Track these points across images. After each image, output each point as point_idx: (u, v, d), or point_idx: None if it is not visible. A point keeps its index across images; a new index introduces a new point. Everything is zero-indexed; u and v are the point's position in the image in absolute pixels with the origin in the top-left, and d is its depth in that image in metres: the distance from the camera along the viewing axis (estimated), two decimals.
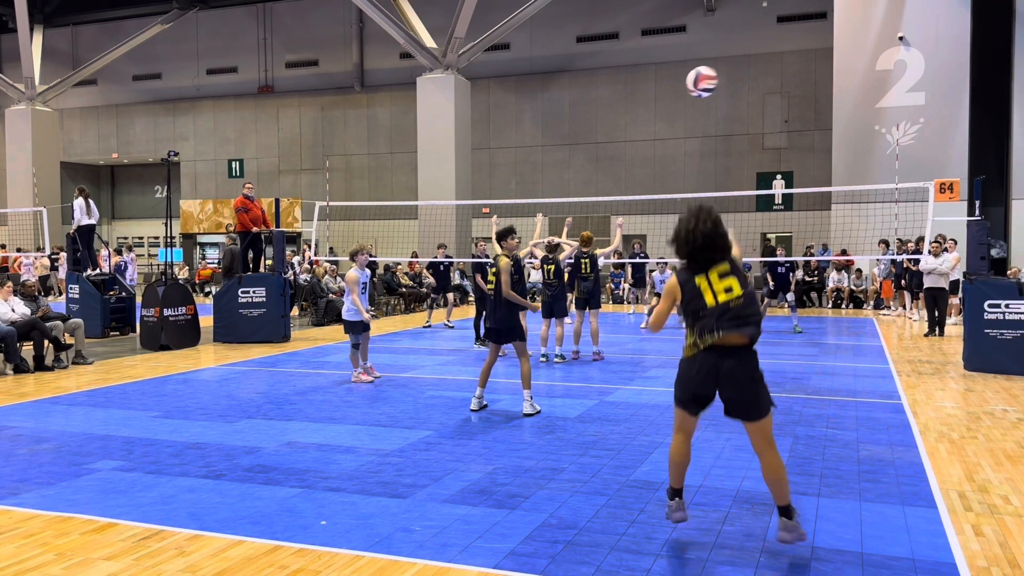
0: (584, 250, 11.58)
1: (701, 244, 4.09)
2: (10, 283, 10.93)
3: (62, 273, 24.50)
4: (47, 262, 24.54)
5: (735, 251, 4.25)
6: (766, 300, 15.40)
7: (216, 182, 34.60)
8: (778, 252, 15.84)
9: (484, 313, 13.16)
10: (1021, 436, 6.76)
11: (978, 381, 9.60)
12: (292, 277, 17.32)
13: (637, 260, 22.37)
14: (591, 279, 11.54)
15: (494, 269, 7.85)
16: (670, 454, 4.39)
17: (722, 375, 4.05)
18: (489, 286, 7.92)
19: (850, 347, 13.01)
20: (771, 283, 15.58)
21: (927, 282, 14.56)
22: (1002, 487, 5.33)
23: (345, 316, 9.77)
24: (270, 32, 33.00)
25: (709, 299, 4.08)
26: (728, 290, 4.09)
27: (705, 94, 8.42)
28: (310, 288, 17.45)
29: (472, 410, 7.84)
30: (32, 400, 8.66)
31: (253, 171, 33.65)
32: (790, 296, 15.34)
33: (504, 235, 8.01)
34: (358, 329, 9.72)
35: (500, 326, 7.75)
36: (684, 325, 4.21)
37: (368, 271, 10.21)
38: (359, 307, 9.63)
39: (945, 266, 14.14)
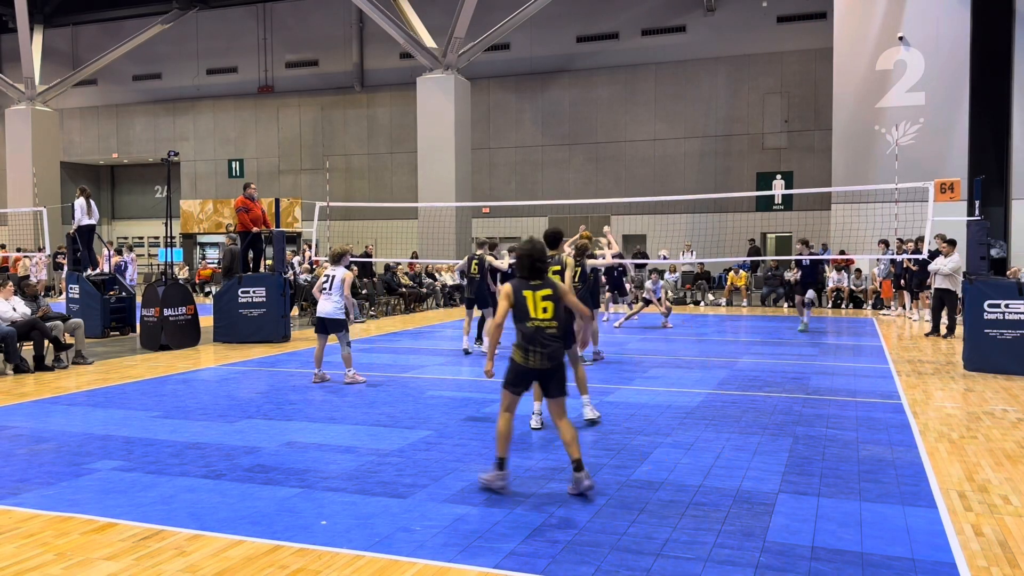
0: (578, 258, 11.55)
1: (530, 266, 5.22)
2: (11, 283, 10.93)
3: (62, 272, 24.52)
4: (44, 261, 24.51)
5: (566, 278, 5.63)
6: (784, 300, 15.55)
7: (216, 182, 34.61)
8: (799, 250, 15.68)
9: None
10: (1021, 436, 6.77)
11: (978, 381, 9.60)
12: (292, 277, 17.31)
13: (639, 261, 22.34)
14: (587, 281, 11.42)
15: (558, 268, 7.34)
16: (499, 429, 5.28)
17: (544, 372, 5.22)
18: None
19: (850, 347, 13.01)
20: (795, 280, 15.50)
21: (936, 282, 14.57)
22: (1002, 487, 5.33)
23: (333, 315, 9.55)
24: (270, 32, 33.01)
25: (531, 311, 5.19)
26: (545, 311, 5.19)
27: None
28: (310, 288, 17.44)
29: (534, 428, 6.95)
30: (32, 400, 8.66)
31: (253, 171, 33.66)
32: (811, 294, 15.23)
33: (556, 241, 7.43)
34: (343, 327, 9.65)
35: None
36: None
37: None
38: (350, 305, 9.77)
39: (950, 266, 14.06)
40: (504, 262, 11.92)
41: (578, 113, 29.57)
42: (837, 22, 22.76)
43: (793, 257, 23.58)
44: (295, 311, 17.35)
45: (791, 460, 5.98)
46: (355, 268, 22.27)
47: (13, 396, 8.86)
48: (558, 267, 7.35)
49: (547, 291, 5.18)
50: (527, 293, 5.17)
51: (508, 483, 5.24)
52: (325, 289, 9.61)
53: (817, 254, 15.35)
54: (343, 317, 9.63)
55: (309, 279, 17.91)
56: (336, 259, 9.84)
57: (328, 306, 9.58)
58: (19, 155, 30.93)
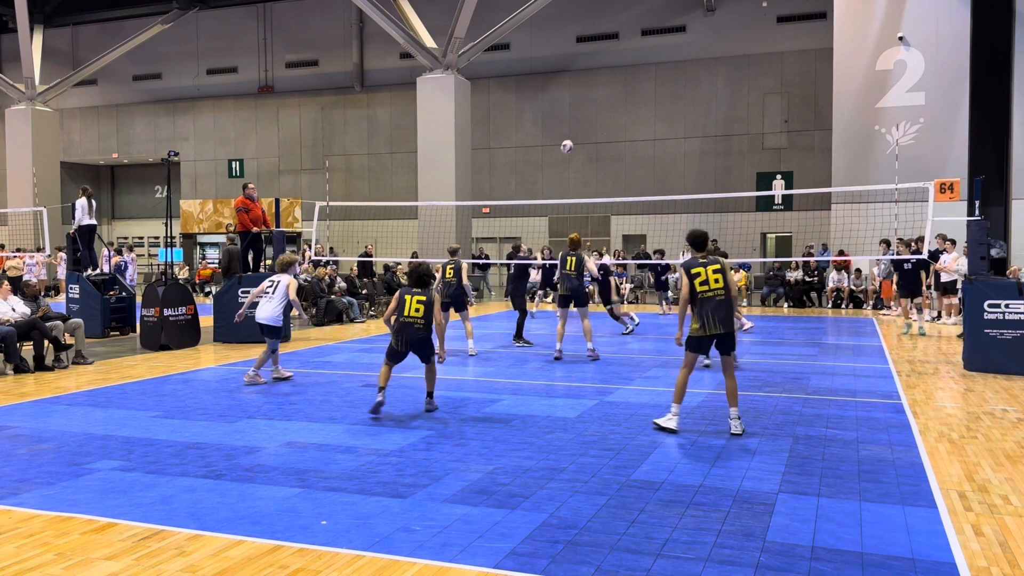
0: (571, 250, 11.60)
1: (418, 279, 7.60)
2: (7, 283, 10.93)
3: (61, 272, 24.50)
4: (45, 261, 24.50)
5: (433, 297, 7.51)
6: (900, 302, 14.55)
7: (216, 182, 34.60)
8: (882, 250, 15.38)
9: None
10: (1021, 436, 6.77)
11: (978, 381, 9.60)
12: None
13: (649, 262, 22.29)
14: (574, 277, 11.44)
15: (716, 267, 6.79)
16: (382, 375, 7.65)
17: (413, 343, 7.62)
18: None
19: (850, 347, 13.01)
20: (897, 284, 15.09)
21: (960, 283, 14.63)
22: (1002, 487, 5.34)
23: (269, 321, 9.44)
24: (270, 32, 33.00)
25: (406, 310, 7.50)
26: (417, 310, 7.47)
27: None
28: (310, 288, 17.44)
29: (673, 430, 6.86)
30: (32, 400, 8.66)
31: (253, 171, 33.66)
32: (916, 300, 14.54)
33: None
34: (278, 334, 9.61)
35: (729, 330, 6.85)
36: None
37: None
38: (300, 310, 9.94)
39: (962, 268, 14.13)
40: (591, 263, 12.15)
41: (578, 113, 29.57)
42: (837, 22, 22.75)
43: (793, 258, 23.59)
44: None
45: (791, 460, 5.98)
46: (354, 268, 22.33)
47: (13, 396, 8.86)
48: (717, 265, 6.80)
49: (423, 297, 7.43)
50: (407, 297, 7.39)
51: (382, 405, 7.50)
52: (267, 293, 9.49)
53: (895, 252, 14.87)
54: (279, 325, 9.56)
55: (309, 279, 17.90)
56: (284, 267, 9.71)
57: (266, 311, 9.44)
58: (19, 155, 30.91)
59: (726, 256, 16.56)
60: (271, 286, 9.56)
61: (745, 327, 11.16)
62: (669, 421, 6.88)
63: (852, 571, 3.97)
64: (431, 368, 7.88)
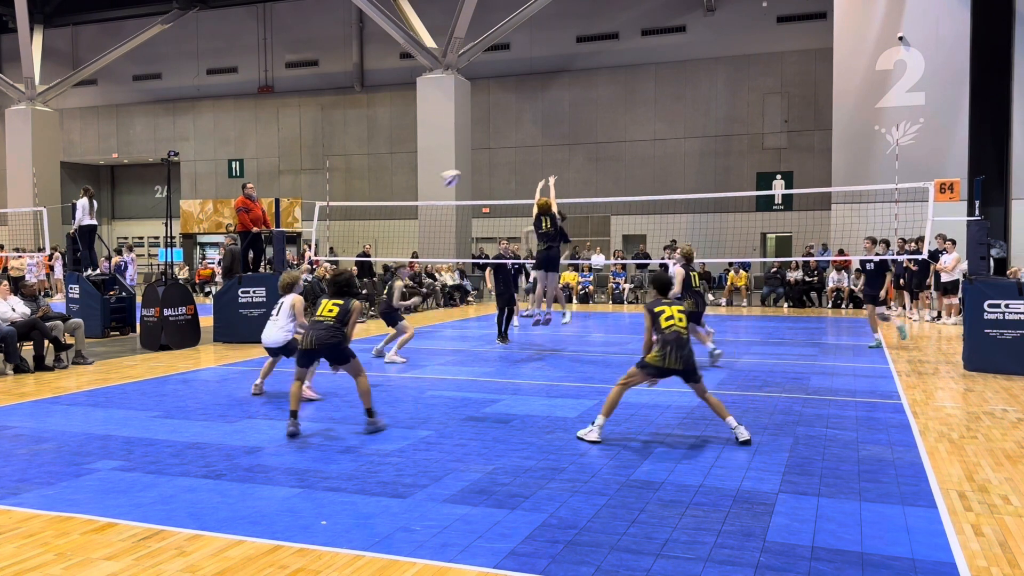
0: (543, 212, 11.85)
1: (335, 288, 7.33)
2: (6, 282, 10.92)
3: (58, 272, 24.49)
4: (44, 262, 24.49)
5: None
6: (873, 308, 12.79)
7: (216, 182, 34.61)
8: (866, 247, 13.34)
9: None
10: (1021, 436, 6.77)
11: (978, 381, 9.60)
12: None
13: (640, 261, 22.33)
14: (551, 236, 11.63)
15: (679, 307, 6.91)
16: (293, 392, 7.10)
17: (321, 347, 7.05)
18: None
19: (850, 347, 13.01)
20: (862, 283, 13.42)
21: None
22: (1002, 487, 5.33)
23: (273, 343, 8.78)
24: (270, 32, 33.01)
25: (319, 311, 7.18)
26: (331, 311, 7.13)
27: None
28: (310, 288, 17.44)
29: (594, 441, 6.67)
30: (32, 400, 8.66)
31: (253, 171, 33.67)
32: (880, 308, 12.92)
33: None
34: (281, 353, 8.87)
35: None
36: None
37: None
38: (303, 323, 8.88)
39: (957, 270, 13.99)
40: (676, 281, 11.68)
41: (578, 113, 29.58)
42: (837, 22, 22.75)
43: (793, 258, 23.60)
44: None
45: (791, 460, 5.98)
46: (354, 268, 22.33)
47: (13, 396, 8.86)
48: (681, 306, 6.99)
49: (339, 301, 7.20)
50: (324, 300, 7.27)
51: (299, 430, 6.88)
52: (272, 316, 8.88)
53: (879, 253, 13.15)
54: (286, 344, 8.74)
55: (310, 279, 17.90)
56: (286, 288, 9.08)
57: (270, 333, 8.80)
58: (19, 155, 30.92)
59: (704, 268, 16.46)
60: (277, 308, 8.92)
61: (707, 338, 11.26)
62: (590, 434, 6.61)
63: (852, 571, 3.97)
64: (359, 383, 7.15)
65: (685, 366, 6.70)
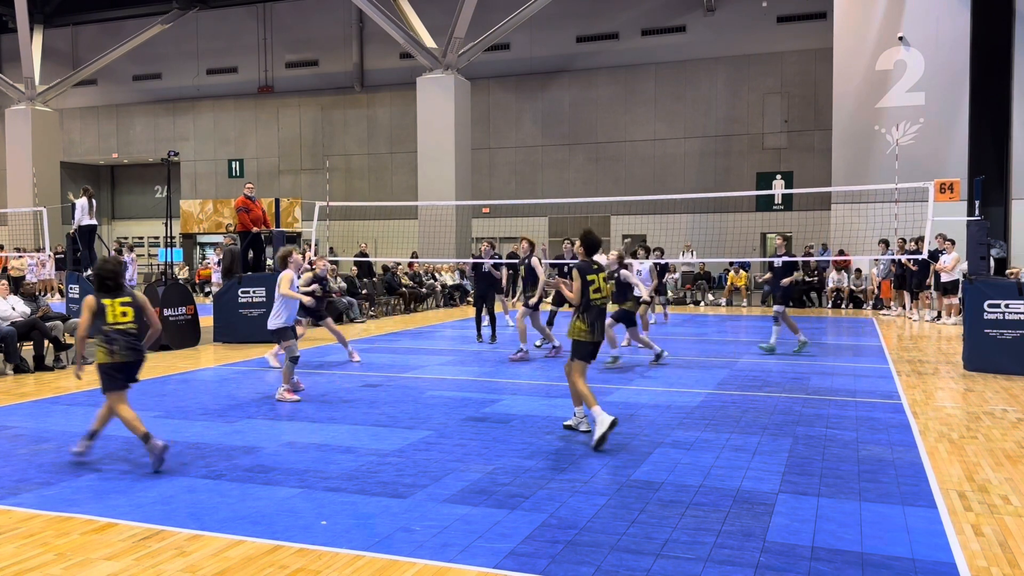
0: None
1: (99, 281, 6.08)
2: (5, 282, 10.93)
3: (44, 273, 24.45)
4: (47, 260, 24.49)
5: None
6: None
7: (216, 182, 34.61)
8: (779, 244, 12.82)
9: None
10: (1021, 436, 6.77)
11: (978, 381, 9.60)
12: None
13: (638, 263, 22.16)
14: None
15: (604, 275, 6.89)
16: (130, 418, 5.96)
17: (134, 351, 6.01)
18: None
19: (850, 347, 13.01)
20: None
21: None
22: (1002, 487, 5.33)
23: (276, 324, 8.66)
24: (270, 32, 33.01)
25: (109, 317, 5.93)
26: (124, 315, 6.01)
27: None
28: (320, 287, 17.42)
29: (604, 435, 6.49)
30: (32, 400, 8.66)
31: (253, 171, 33.67)
32: (777, 307, 12.27)
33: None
34: (290, 336, 8.71)
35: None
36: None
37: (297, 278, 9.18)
38: (300, 298, 8.85)
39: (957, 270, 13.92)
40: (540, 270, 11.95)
41: (578, 113, 29.58)
42: (837, 22, 22.76)
43: (794, 258, 23.60)
44: None
45: (791, 460, 5.98)
46: (354, 268, 22.33)
47: (13, 396, 8.86)
48: (605, 274, 6.95)
49: (126, 299, 6.11)
50: (106, 301, 6.03)
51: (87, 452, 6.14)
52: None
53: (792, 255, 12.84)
54: (282, 326, 8.69)
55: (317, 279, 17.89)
56: (282, 262, 8.96)
57: (270, 318, 8.79)
58: (19, 155, 30.92)
59: (662, 252, 16.33)
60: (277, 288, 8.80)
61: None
62: (602, 426, 6.31)
63: (852, 571, 3.97)
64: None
65: (603, 338, 6.84)
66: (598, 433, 6.31)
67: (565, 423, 7.08)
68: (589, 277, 6.68)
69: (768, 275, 12.50)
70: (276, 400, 8.42)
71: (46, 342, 10.75)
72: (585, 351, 6.68)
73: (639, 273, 13.40)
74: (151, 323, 6.21)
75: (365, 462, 5.98)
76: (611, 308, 10.63)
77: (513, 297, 16.91)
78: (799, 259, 12.94)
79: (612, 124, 29.21)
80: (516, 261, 15.76)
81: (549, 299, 12.99)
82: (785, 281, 12.16)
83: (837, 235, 21.81)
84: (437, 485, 5.38)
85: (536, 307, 11.73)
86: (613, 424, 6.32)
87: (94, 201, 15.27)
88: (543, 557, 4.14)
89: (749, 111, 27.67)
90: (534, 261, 11.83)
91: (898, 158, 18.86)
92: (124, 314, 6.03)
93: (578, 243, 7.02)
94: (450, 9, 24.73)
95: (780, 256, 12.37)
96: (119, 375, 5.98)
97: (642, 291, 11.14)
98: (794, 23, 26.94)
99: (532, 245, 12.18)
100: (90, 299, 6.00)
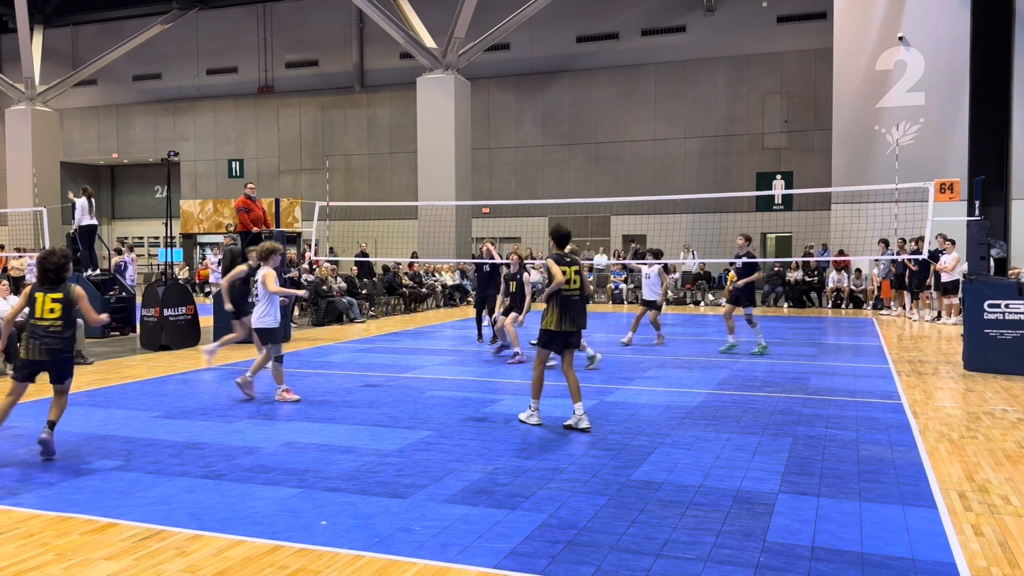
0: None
1: (53, 269, 6.15)
2: (6, 282, 10.93)
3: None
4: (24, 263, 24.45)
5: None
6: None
7: (216, 182, 34.61)
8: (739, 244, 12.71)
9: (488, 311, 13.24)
10: (1021, 436, 6.77)
11: (978, 381, 9.60)
12: (297, 276, 17.29)
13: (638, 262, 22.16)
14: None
15: (576, 268, 7.12)
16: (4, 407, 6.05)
17: (51, 353, 6.04)
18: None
19: (850, 347, 13.01)
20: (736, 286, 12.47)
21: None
22: (1002, 487, 5.33)
23: (264, 324, 8.44)
24: (270, 32, 33.01)
25: (37, 311, 6.07)
26: (51, 311, 6.07)
27: None
28: (314, 288, 17.45)
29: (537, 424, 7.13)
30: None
31: (253, 171, 33.67)
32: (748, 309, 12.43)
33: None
34: (278, 338, 8.57)
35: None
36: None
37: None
38: (288, 294, 8.56)
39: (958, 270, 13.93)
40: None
41: (578, 113, 29.58)
42: (837, 22, 22.76)
43: (793, 258, 23.61)
44: (296, 311, 17.34)
45: (791, 460, 5.98)
46: (355, 268, 22.33)
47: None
48: (577, 267, 7.15)
49: (58, 295, 6.10)
50: (38, 295, 6.11)
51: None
52: (257, 298, 8.51)
53: (752, 255, 12.58)
54: (270, 326, 8.47)
55: (311, 279, 17.91)
56: (264, 257, 8.62)
57: (256, 313, 8.53)
58: (19, 155, 30.91)
59: (644, 256, 16.20)
60: (256, 287, 8.58)
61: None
62: (531, 418, 7.12)
63: (852, 571, 3.97)
64: (62, 395, 6.27)
65: (577, 327, 7.03)
66: (524, 417, 7.15)
67: (565, 423, 7.10)
68: (561, 268, 6.95)
69: (736, 280, 12.54)
70: (276, 401, 8.39)
71: None
72: (549, 339, 7.00)
73: (648, 277, 13.42)
74: (87, 317, 6.23)
75: (365, 462, 5.98)
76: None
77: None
78: (759, 260, 12.85)
79: (612, 124, 29.21)
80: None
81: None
82: (740, 283, 12.21)
83: (837, 235, 21.81)
84: (437, 485, 5.38)
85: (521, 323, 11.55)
86: (538, 424, 7.06)
87: (93, 201, 15.27)
88: (543, 557, 4.14)
89: (749, 111, 27.66)
90: (525, 277, 11.79)
91: (898, 158, 18.86)
92: (52, 310, 6.06)
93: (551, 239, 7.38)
94: (450, 9, 24.73)
95: (740, 256, 12.40)
96: (24, 369, 6.12)
97: (659, 294, 11.21)
98: (794, 23, 26.94)
99: (522, 260, 11.98)
100: (27, 288, 6.19)
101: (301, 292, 9.53)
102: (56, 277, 6.14)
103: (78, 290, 6.23)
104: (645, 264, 13.61)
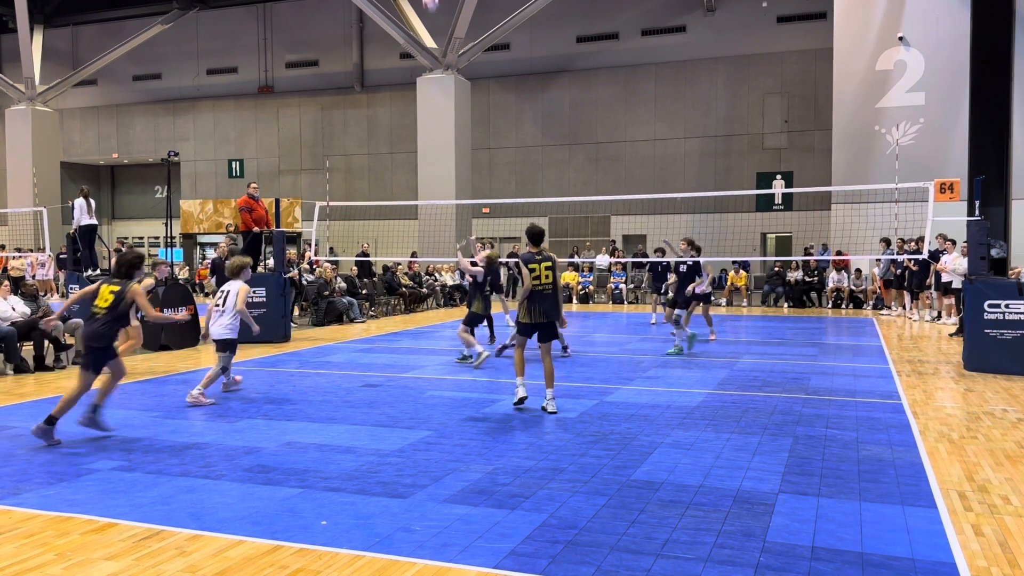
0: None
1: (124, 264, 6.79)
2: (6, 282, 10.93)
3: (48, 273, 24.44)
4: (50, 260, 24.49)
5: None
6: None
7: (216, 182, 34.60)
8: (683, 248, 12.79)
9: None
10: (1021, 436, 6.77)
11: (978, 381, 9.60)
12: (296, 276, 17.29)
13: (641, 260, 22.29)
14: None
15: (546, 264, 7.82)
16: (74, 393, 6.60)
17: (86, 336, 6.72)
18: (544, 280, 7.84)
19: (850, 347, 13.01)
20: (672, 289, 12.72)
21: (956, 283, 14.53)
22: (1002, 487, 5.33)
23: (224, 335, 8.49)
24: (270, 32, 33.00)
25: (98, 300, 6.59)
26: (105, 300, 6.54)
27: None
28: (317, 288, 17.46)
29: (523, 397, 7.84)
30: (32, 400, 8.66)
31: (253, 171, 33.67)
32: (678, 310, 12.34)
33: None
34: (233, 348, 8.68)
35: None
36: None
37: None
38: (249, 320, 8.61)
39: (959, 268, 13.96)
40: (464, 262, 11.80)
41: (578, 113, 29.57)
42: (837, 22, 22.75)
43: (793, 258, 23.61)
44: (296, 311, 17.35)
45: (791, 460, 5.98)
46: (355, 268, 22.33)
47: (13, 396, 8.86)
48: (549, 263, 7.91)
49: (116, 287, 6.64)
50: (103, 286, 6.64)
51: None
52: (218, 307, 8.55)
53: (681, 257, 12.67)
54: (231, 337, 8.55)
55: (311, 279, 17.91)
56: (234, 272, 8.77)
57: (219, 325, 8.51)
58: (19, 155, 30.90)
59: (663, 253, 16.25)
60: (222, 297, 8.60)
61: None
62: (519, 392, 7.83)
63: (852, 571, 3.97)
64: (113, 376, 6.82)
65: (548, 319, 7.76)
66: (517, 396, 7.80)
67: (541, 406, 7.78)
68: (531, 266, 7.72)
69: (677, 282, 12.59)
70: (187, 403, 8.15)
71: (46, 342, 10.76)
72: (523, 329, 7.87)
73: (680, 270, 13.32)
74: (146, 312, 6.68)
75: (365, 462, 5.98)
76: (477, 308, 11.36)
77: (512, 298, 16.86)
78: (703, 260, 12.84)
79: (612, 124, 29.20)
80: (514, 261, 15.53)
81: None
82: (697, 290, 12.29)
83: (837, 235, 21.81)
84: (437, 485, 5.38)
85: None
86: (522, 400, 7.78)
87: (92, 201, 15.27)
88: (543, 557, 4.14)
89: (749, 111, 27.66)
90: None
91: (898, 158, 18.86)
92: (106, 300, 6.54)
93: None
94: (450, 9, 24.73)
95: (683, 259, 12.44)
96: (88, 357, 6.65)
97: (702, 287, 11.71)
98: (794, 23, 26.93)
99: (492, 261, 11.84)
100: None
101: (254, 328, 8.91)
102: (125, 272, 6.67)
103: (135, 287, 6.62)
104: (687, 261, 13.35)
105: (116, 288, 6.63)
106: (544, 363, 7.81)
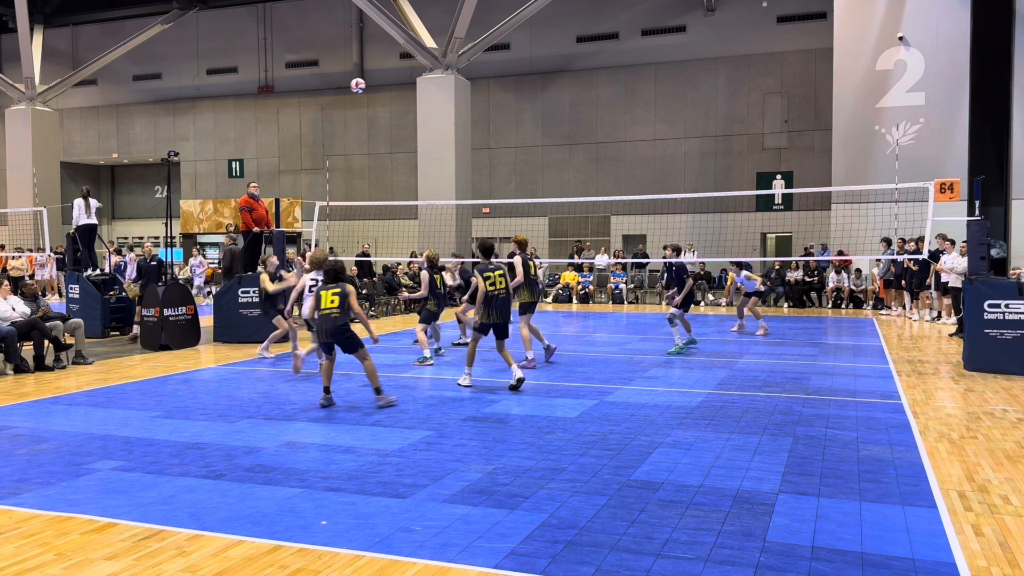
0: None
1: (331, 272, 8.16)
2: (7, 282, 10.93)
3: (46, 272, 24.44)
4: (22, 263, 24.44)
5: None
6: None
7: (216, 182, 34.60)
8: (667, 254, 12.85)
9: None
10: (1021, 436, 6.77)
11: (978, 381, 9.60)
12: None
13: (639, 260, 22.26)
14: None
15: (499, 272, 9.08)
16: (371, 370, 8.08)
17: (327, 333, 8.06)
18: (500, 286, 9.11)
19: (850, 347, 13.01)
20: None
21: (953, 282, 14.53)
22: (1002, 487, 5.33)
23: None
24: (270, 32, 32.99)
25: (322, 303, 7.92)
26: (332, 302, 7.91)
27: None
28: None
29: (468, 386, 9.06)
30: (32, 400, 8.66)
31: (253, 171, 33.66)
32: (674, 310, 12.37)
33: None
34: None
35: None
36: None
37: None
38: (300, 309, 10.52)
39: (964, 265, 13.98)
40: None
41: (578, 113, 29.56)
42: (837, 22, 22.75)
43: (793, 258, 23.61)
44: (296, 311, 17.33)
45: (791, 460, 5.98)
46: (355, 268, 22.33)
47: (13, 396, 8.86)
48: (501, 270, 9.12)
49: (336, 290, 7.87)
50: (323, 292, 7.92)
51: None
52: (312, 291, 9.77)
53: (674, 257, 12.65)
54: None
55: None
56: (318, 265, 9.42)
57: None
58: (19, 155, 30.89)
59: (704, 268, 16.64)
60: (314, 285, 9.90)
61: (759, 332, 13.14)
62: (464, 380, 9.09)
63: (852, 571, 3.97)
64: (364, 361, 8.23)
65: (503, 320, 9.03)
66: (460, 382, 9.12)
67: (510, 385, 8.82)
68: (486, 274, 8.92)
69: (671, 287, 12.96)
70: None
71: (46, 342, 10.75)
72: (480, 328, 9.05)
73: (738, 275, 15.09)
74: (354, 308, 7.91)
75: (365, 462, 5.98)
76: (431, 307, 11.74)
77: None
78: (687, 261, 13.05)
79: (612, 124, 29.19)
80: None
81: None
82: (677, 298, 12.34)
83: (837, 235, 21.80)
84: (437, 485, 5.38)
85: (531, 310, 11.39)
86: (467, 387, 9.03)
87: (91, 200, 15.26)
88: (543, 557, 4.14)
89: (749, 111, 27.65)
90: (446, 276, 11.95)
91: (898, 158, 18.86)
92: (332, 301, 7.83)
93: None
94: (450, 9, 24.72)
95: (673, 261, 12.60)
96: (323, 345, 8.07)
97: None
98: (794, 23, 26.92)
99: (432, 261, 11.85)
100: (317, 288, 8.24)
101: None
102: (334, 277, 7.99)
103: (349, 287, 7.92)
104: (741, 269, 15.12)
105: (337, 291, 7.92)
106: (502, 355, 9.07)
